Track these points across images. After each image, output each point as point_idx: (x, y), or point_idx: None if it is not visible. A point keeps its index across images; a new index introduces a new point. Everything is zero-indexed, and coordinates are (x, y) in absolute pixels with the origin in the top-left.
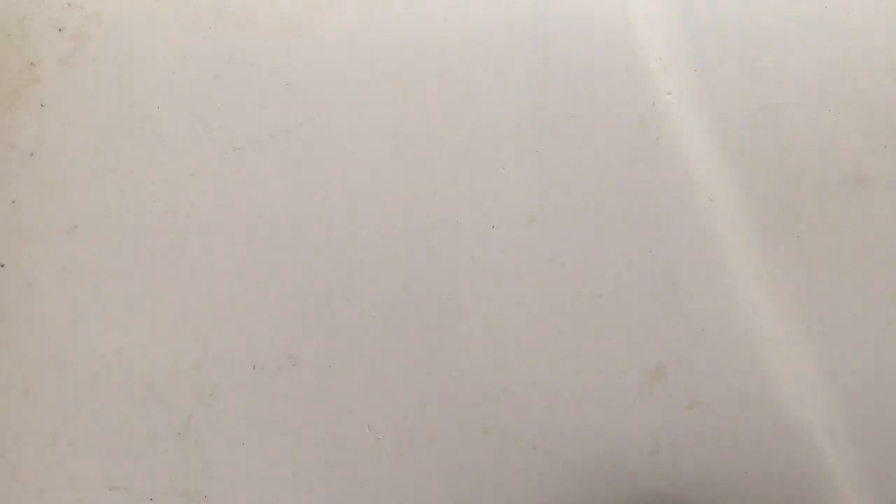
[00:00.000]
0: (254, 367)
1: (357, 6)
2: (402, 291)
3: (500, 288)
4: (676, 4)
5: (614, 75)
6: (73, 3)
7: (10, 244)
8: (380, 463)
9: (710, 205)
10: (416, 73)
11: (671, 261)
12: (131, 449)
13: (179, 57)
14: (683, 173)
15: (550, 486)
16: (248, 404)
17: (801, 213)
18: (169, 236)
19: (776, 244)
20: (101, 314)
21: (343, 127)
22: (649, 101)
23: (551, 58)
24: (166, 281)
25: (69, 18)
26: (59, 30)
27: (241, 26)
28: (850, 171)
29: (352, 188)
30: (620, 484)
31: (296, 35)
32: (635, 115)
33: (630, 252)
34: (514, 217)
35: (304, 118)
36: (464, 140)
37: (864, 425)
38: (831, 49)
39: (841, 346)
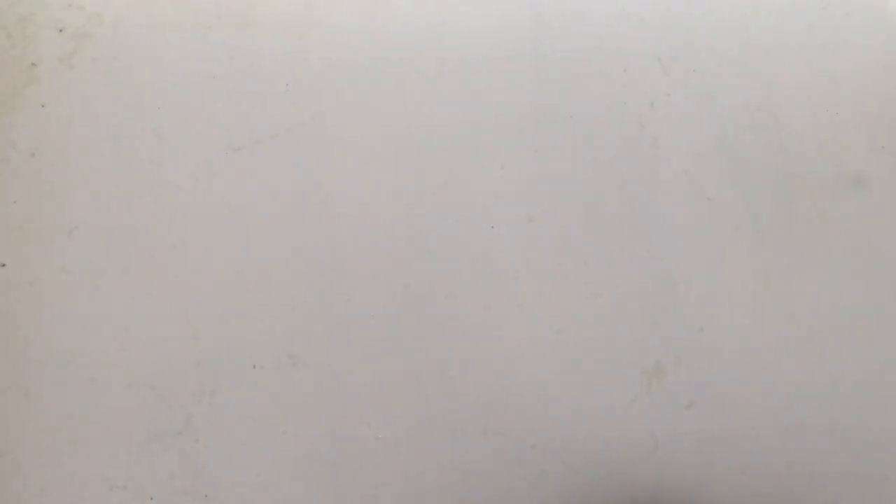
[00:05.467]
0: (254, 367)
1: (357, 6)
2: (402, 291)
3: (499, 288)
4: (676, 5)
5: (614, 75)
6: (74, 3)
7: (11, 244)
8: (380, 463)
9: (710, 205)
10: (415, 74)
11: (671, 261)
12: (131, 449)
13: (179, 57)
14: (683, 173)
15: (550, 486)
16: (248, 404)
17: (800, 213)
18: (169, 236)
19: (775, 244)
20: (101, 314)
21: (343, 127)
22: (649, 102)
23: (551, 58)
24: (166, 281)
25: (70, 19)
26: (60, 30)
27: (241, 26)
28: (848, 172)
29: (351, 188)
30: (620, 483)
31: (296, 35)
32: (634, 115)
33: (630, 252)
34: (513, 217)
35: (304, 118)
36: (463, 140)
37: (864, 425)
38: (831, 49)
39: (841, 345)
